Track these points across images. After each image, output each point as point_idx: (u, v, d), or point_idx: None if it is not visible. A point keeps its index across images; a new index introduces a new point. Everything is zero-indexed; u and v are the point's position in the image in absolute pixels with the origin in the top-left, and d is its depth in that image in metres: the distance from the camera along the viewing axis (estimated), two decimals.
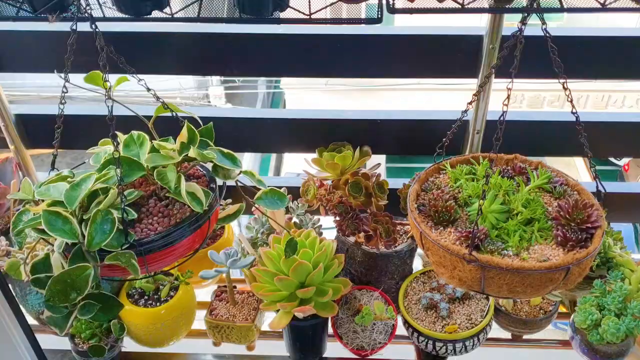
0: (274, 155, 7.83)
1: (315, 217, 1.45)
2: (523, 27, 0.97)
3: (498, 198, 1.07)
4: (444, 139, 1.22)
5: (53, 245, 1.05)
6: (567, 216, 1.02)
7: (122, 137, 1.17)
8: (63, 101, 1.04)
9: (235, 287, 1.40)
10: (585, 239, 1.00)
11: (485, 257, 0.96)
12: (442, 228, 1.05)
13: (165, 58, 1.40)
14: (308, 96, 7.80)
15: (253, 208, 1.23)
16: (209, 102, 9.07)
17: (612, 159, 7.30)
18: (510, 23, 1.22)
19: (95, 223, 0.97)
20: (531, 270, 0.94)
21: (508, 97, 0.97)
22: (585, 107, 7.03)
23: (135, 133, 1.09)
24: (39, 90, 6.92)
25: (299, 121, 1.51)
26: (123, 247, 0.99)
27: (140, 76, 1.11)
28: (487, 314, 1.28)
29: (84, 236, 0.97)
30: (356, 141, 1.42)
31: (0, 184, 1.43)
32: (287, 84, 8.28)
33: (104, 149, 1.12)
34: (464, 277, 0.99)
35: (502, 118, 0.97)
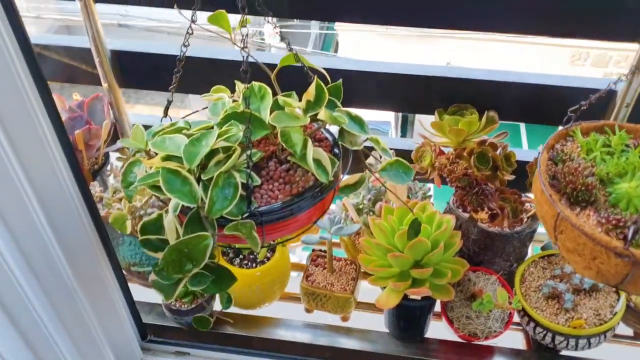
0: None
1: (426, 186, 1.32)
2: None
3: None
4: (582, 102, 1.05)
5: (163, 202, 0.96)
6: None
7: (240, 86, 1.05)
8: (186, 43, 0.91)
9: None
10: None
11: None
12: (579, 209, 0.91)
13: None
14: (364, 41, 7.46)
15: (372, 178, 1.10)
16: (262, 39, 8.84)
17: None
18: None
19: (217, 187, 0.86)
20: None
21: None
22: None
23: (256, 85, 0.96)
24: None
25: (409, 77, 1.35)
26: (243, 216, 0.89)
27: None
28: (618, 310, 1.15)
29: (202, 200, 0.87)
30: (475, 104, 1.27)
31: (91, 124, 1.35)
32: (342, 25, 7.95)
33: (222, 98, 1.00)
34: (605, 270, 0.86)
35: None
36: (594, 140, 1.01)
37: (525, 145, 6.42)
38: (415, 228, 1.02)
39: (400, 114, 8.05)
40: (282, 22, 8.52)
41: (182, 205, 0.88)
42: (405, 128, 8.31)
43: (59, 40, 1.39)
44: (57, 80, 1.42)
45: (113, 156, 1.44)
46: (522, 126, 7.52)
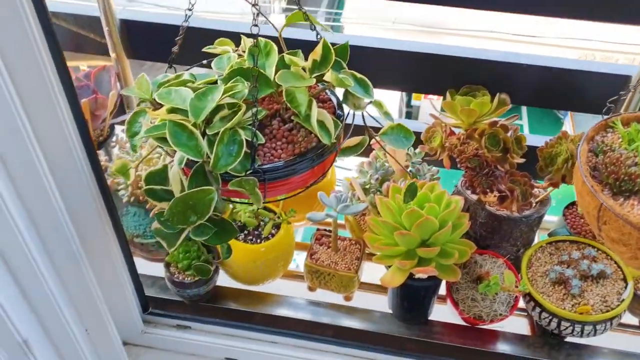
0: None
1: (434, 168, 1.31)
2: None
3: None
4: (622, 92, 1.03)
5: (169, 154, 0.95)
6: None
7: (245, 41, 1.03)
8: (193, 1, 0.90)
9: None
10: None
11: None
12: (622, 199, 0.89)
13: None
14: (368, 34, 7.41)
15: (373, 141, 1.09)
16: None
17: None
18: None
19: (222, 143, 0.85)
20: None
21: None
22: None
23: (262, 40, 0.95)
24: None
25: (422, 55, 1.32)
26: (247, 172, 0.88)
27: None
28: (626, 297, 1.14)
29: (207, 155, 0.87)
30: (487, 86, 1.26)
31: (98, 94, 1.33)
32: (349, 18, 7.91)
33: (227, 52, 0.99)
34: None
35: None
36: (636, 131, 1.00)
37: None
38: (412, 191, 1.01)
39: (404, 110, 8.04)
40: (288, 12, 8.49)
41: (187, 159, 0.88)
42: None
43: (68, 9, 1.37)
44: (65, 49, 1.40)
45: (118, 128, 1.43)
46: (525, 122, 7.49)
